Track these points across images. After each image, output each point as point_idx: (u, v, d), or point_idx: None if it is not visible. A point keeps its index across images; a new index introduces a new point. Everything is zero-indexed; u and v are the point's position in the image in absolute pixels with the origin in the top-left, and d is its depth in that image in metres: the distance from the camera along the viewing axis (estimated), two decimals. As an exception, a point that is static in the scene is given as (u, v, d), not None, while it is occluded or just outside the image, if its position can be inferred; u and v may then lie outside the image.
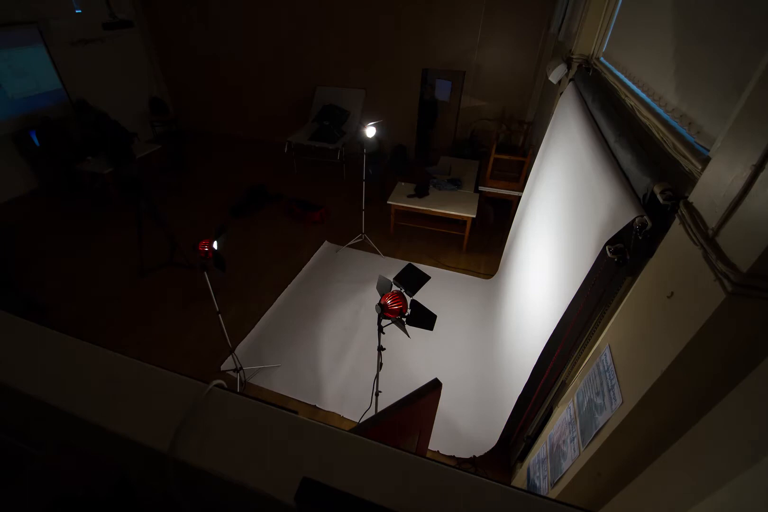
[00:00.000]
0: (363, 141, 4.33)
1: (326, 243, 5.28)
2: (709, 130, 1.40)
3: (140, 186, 4.60)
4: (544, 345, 2.23)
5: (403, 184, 5.44)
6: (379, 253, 5.02)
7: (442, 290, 4.46)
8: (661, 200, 1.32)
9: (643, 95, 2.13)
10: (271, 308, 4.24)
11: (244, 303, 4.28)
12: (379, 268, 4.77)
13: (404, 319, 2.16)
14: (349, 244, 5.16)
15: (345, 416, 3.22)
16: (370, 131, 4.20)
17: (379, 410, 2.62)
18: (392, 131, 7.21)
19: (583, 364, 1.86)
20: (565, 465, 1.77)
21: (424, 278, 2.34)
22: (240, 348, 3.74)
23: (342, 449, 0.62)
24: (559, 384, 2.18)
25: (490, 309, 4.19)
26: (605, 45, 3.19)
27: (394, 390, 3.06)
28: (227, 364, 3.58)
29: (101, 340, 3.91)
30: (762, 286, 0.91)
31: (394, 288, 2.27)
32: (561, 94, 3.42)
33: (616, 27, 3.01)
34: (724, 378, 1.11)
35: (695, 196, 1.19)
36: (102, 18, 5.80)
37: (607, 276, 1.82)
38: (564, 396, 2.05)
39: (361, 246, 5.15)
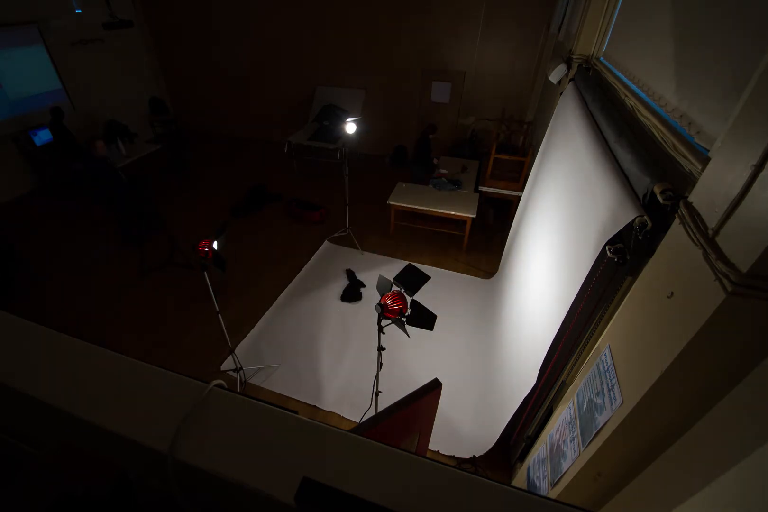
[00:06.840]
0: (343, 136, 4.26)
1: (326, 243, 5.28)
2: (709, 130, 1.40)
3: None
4: (548, 346, 2.23)
5: (404, 184, 5.44)
6: (359, 249, 5.09)
7: (442, 290, 4.46)
8: (661, 200, 1.32)
9: (643, 95, 2.13)
10: (271, 308, 4.24)
11: (244, 303, 4.28)
12: (378, 267, 4.77)
13: (404, 319, 2.16)
14: (333, 236, 5.29)
15: (345, 416, 3.22)
16: (351, 127, 4.18)
17: (379, 410, 2.62)
18: (393, 131, 7.23)
19: (583, 364, 1.86)
20: (565, 465, 1.77)
21: (424, 278, 2.34)
22: (240, 348, 3.73)
23: (342, 449, 0.62)
24: (559, 384, 2.18)
25: (490, 309, 4.19)
26: (605, 45, 3.19)
27: (394, 390, 3.06)
28: (227, 364, 3.58)
29: (101, 340, 3.91)
30: (762, 286, 0.91)
31: (394, 288, 2.27)
32: (561, 94, 3.42)
33: (616, 27, 3.01)
34: (725, 378, 1.11)
35: (695, 196, 1.19)
36: (102, 18, 5.79)
37: (607, 276, 1.82)
38: (564, 396, 2.05)
39: (363, 246, 5.16)
